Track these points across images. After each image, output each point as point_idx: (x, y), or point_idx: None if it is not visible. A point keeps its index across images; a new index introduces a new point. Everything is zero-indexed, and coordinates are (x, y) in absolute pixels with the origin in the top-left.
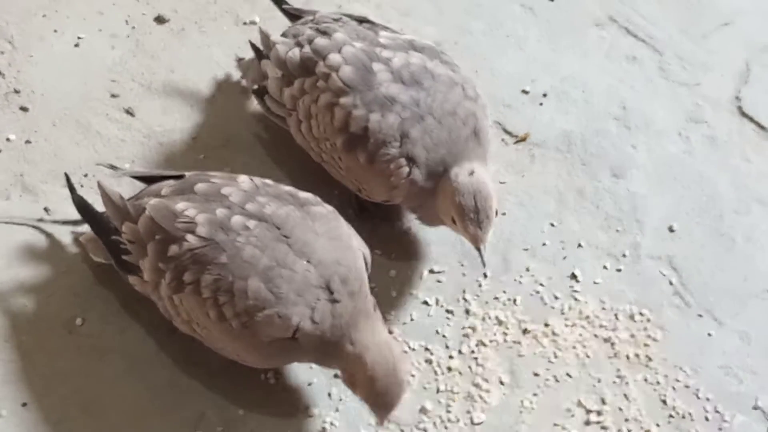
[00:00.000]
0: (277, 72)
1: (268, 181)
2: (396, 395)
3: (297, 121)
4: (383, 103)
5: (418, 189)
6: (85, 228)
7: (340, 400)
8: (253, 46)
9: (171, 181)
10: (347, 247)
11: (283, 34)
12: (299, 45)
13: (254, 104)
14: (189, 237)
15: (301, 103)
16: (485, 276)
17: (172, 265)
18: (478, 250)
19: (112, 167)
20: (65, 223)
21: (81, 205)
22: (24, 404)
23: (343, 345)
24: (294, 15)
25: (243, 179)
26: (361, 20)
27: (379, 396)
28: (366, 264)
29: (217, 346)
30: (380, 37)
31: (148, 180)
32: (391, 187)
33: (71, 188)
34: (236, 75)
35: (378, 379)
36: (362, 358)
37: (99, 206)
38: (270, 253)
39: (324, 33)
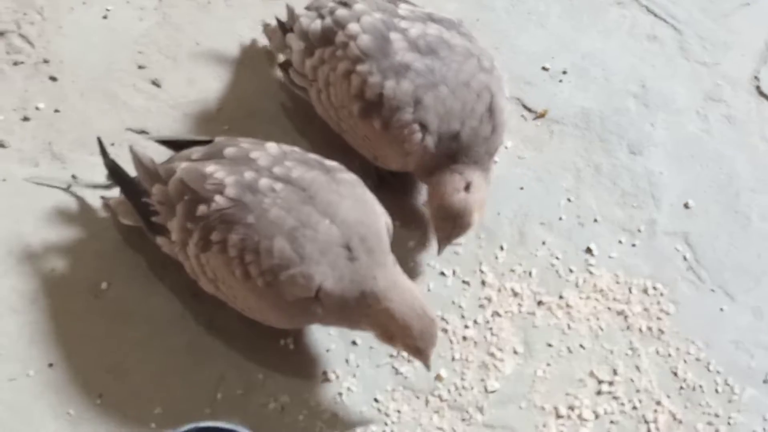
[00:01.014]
0: (300, 44)
1: (296, 148)
2: (433, 335)
3: (317, 91)
4: (398, 71)
5: (430, 157)
6: (113, 193)
7: (358, 366)
8: (279, 21)
9: (200, 147)
10: (371, 211)
11: (307, 8)
12: (321, 17)
13: (278, 76)
14: (217, 198)
15: (321, 72)
16: (501, 248)
17: (200, 224)
18: (439, 247)
19: (141, 132)
20: (95, 187)
21: (113, 168)
22: (50, 365)
23: (367, 303)
24: None
25: (270, 145)
26: None
27: (418, 340)
28: (388, 230)
29: (242, 306)
30: (399, 9)
31: (176, 146)
32: (404, 154)
33: (103, 152)
34: (261, 47)
35: (412, 326)
36: (390, 311)
37: (129, 172)
38: (295, 214)
39: (345, 4)
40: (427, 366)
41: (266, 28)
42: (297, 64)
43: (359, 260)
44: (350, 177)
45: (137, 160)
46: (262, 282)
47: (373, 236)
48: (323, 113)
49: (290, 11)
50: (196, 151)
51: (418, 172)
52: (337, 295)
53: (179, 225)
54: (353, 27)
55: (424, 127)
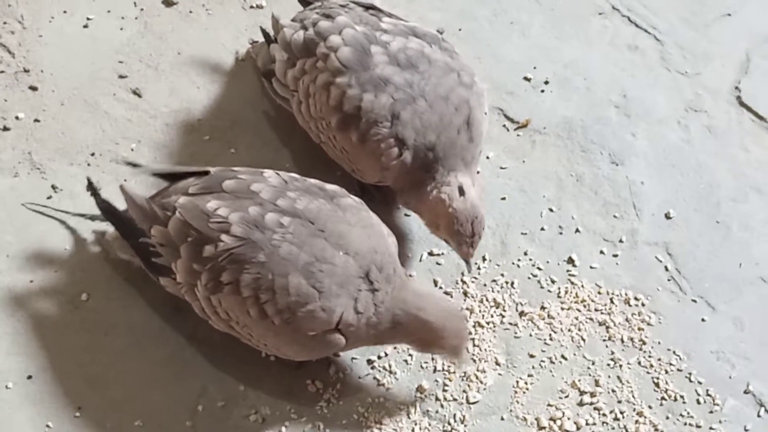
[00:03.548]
0: (283, 55)
1: (295, 175)
2: (466, 329)
3: (298, 102)
4: (377, 84)
5: (408, 170)
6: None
7: (339, 377)
8: (264, 32)
9: (195, 179)
10: (380, 235)
11: (293, 20)
12: (304, 28)
13: (260, 87)
14: (224, 237)
15: (302, 83)
16: (484, 259)
17: (208, 266)
18: (467, 262)
19: (134, 165)
20: (83, 216)
21: (106, 209)
22: (29, 377)
23: (400, 322)
24: (308, 3)
25: (269, 174)
26: (368, 7)
27: (454, 339)
28: (395, 249)
29: (257, 343)
30: (383, 22)
31: (169, 177)
32: (381, 168)
33: (94, 193)
34: (243, 57)
35: (446, 327)
36: (423, 320)
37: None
38: (308, 249)
39: (328, 17)
40: (461, 361)
41: (254, 45)
42: (279, 74)
43: (381, 290)
44: (353, 201)
45: (131, 202)
46: (280, 320)
47: (388, 263)
48: (303, 124)
49: (275, 21)
50: (192, 184)
51: (397, 186)
52: (360, 325)
53: (185, 267)
54: (335, 39)
55: (401, 142)
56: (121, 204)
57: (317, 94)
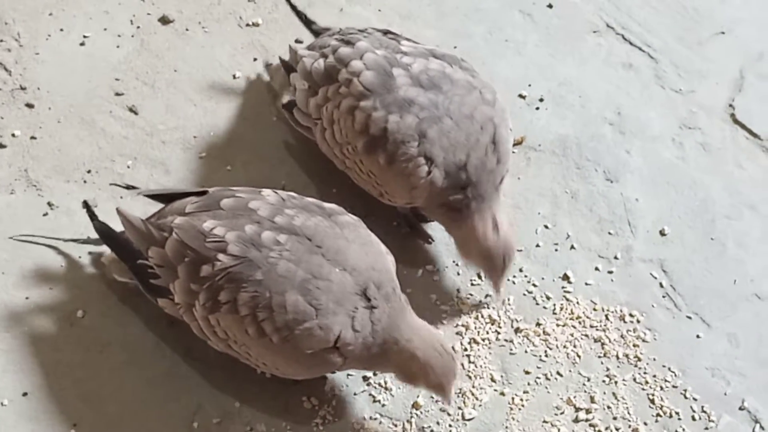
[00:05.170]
0: (304, 84)
1: (293, 194)
2: (453, 369)
3: (322, 129)
4: (402, 105)
5: (438, 191)
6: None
7: (335, 394)
8: (282, 61)
9: (193, 198)
10: (378, 252)
11: (310, 47)
12: (324, 56)
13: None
14: (221, 256)
15: (325, 110)
16: (479, 276)
17: (205, 285)
18: (498, 291)
19: (129, 187)
20: (83, 242)
21: (103, 232)
22: (25, 394)
23: (389, 348)
24: (318, 33)
25: (267, 192)
26: (386, 32)
27: (441, 377)
28: (394, 268)
29: (256, 362)
30: (402, 45)
31: (166, 198)
32: (410, 188)
33: (92, 216)
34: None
35: (434, 365)
36: (412, 353)
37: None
38: (305, 266)
39: (348, 42)
40: (448, 401)
41: (269, 68)
42: (301, 103)
43: (379, 308)
44: (351, 219)
45: (127, 224)
46: (278, 338)
47: (387, 281)
48: (327, 151)
49: (293, 52)
50: (189, 203)
51: (430, 209)
52: (358, 344)
53: (183, 287)
54: (356, 64)
55: (429, 161)
56: (117, 224)
57: (342, 120)
